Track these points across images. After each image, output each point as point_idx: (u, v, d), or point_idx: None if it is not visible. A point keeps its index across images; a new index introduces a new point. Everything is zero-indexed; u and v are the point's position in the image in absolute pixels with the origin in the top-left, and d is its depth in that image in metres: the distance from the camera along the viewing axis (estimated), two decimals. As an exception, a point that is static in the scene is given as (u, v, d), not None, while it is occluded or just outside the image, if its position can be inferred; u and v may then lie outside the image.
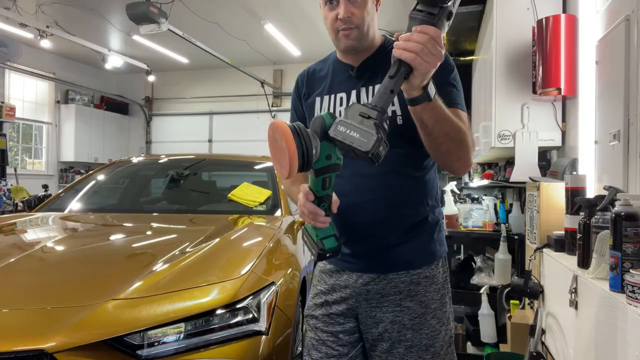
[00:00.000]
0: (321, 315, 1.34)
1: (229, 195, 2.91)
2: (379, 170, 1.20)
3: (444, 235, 1.37)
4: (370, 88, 1.27)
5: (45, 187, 6.38)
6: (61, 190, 3.19)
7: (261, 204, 2.84)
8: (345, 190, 1.25)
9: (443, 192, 3.16)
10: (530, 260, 2.05)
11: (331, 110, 1.30)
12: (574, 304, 1.42)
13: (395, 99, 1.22)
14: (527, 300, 2.29)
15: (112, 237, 2.33)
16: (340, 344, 1.31)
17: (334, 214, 1.13)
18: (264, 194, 2.90)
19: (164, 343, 1.49)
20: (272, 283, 1.82)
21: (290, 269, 2.10)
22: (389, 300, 1.26)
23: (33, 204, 2.99)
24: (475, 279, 2.81)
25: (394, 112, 1.23)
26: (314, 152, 1.01)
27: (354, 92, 1.29)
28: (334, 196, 1.11)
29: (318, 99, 1.35)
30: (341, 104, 1.29)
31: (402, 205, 1.26)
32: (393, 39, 1.31)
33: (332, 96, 1.32)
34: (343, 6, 1.21)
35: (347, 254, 1.30)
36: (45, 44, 7.61)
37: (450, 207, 3.01)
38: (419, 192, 1.28)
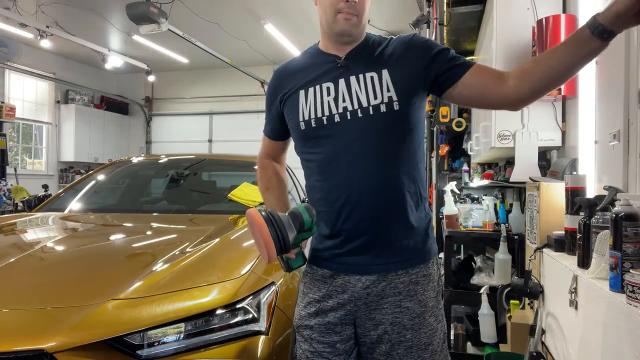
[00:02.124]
0: (317, 325, 1.28)
1: (229, 195, 2.90)
2: (376, 160, 1.22)
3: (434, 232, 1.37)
4: (361, 76, 1.24)
5: (45, 187, 6.39)
6: (61, 190, 3.19)
7: (261, 204, 2.83)
8: (342, 185, 1.23)
9: (443, 192, 3.15)
10: (530, 260, 2.04)
11: (318, 100, 1.26)
12: (574, 304, 1.42)
13: (390, 84, 1.21)
14: (527, 300, 2.29)
15: (112, 237, 2.33)
16: (337, 354, 1.27)
17: (329, 212, 1.25)
18: (264, 194, 2.90)
19: (164, 343, 1.49)
20: (272, 283, 1.82)
21: (290, 269, 2.09)
22: (389, 302, 1.24)
23: (33, 204, 2.99)
24: (475, 279, 2.81)
25: (390, 97, 1.21)
26: (290, 240, 1.11)
27: (341, 81, 1.25)
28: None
29: (302, 92, 1.29)
30: (328, 94, 1.25)
31: (399, 195, 1.23)
32: (376, 35, 1.32)
33: (318, 87, 1.27)
34: None
35: (344, 255, 1.26)
36: (45, 44, 7.62)
37: (450, 207, 3.00)
38: (413, 180, 1.26)
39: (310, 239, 1.30)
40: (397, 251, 1.24)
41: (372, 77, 1.23)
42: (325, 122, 1.24)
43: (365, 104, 1.21)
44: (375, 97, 1.21)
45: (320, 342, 1.27)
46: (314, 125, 1.25)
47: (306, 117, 1.27)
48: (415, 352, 1.24)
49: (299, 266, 1.25)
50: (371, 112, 1.21)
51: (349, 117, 1.22)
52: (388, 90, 1.21)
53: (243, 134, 10.81)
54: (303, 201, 3.04)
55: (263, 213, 1.11)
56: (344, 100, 1.23)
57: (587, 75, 2.16)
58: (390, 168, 1.22)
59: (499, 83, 1.18)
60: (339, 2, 1.21)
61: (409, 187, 1.25)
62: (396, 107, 1.21)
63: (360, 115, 1.21)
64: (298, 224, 1.13)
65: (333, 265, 1.28)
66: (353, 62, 1.27)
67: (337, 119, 1.23)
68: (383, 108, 1.21)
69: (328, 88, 1.25)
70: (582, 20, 2.28)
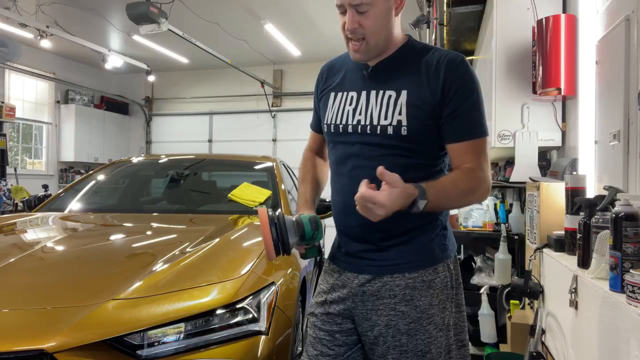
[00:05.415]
0: (320, 313, 1.34)
1: (229, 195, 2.91)
2: (374, 174, 1.20)
3: (448, 238, 1.32)
4: (381, 92, 1.24)
5: (45, 187, 6.39)
6: (61, 190, 3.19)
7: (261, 204, 2.84)
8: (343, 190, 1.29)
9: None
10: (530, 260, 2.05)
11: (341, 107, 1.30)
12: (574, 304, 1.42)
13: (404, 108, 1.21)
14: (527, 300, 2.29)
15: (112, 237, 2.33)
16: (337, 344, 1.30)
17: (334, 212, 1.33)
18: (264, 194, 2.90)
19: (164, 343, 1.49)
20: (272, 283, 1.82)
21: (290, 269, 2.10)
22: (384, 304, 1.25)
23: (33, 204, 2.98)
24: (475, 279, 2.80)
25: (399, 121, 1.21)
26: (291, 243, 1.19)
27: (364, 93, 1.27)
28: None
29: (332, 94, 1.34)
30: (350, 103, 1.28)
31: (399, 211, 1.22)
32: (418, 43, 1.31)
33: (345, 94, 1.31)
34: (349, 16, 1.17)
35: (344, 253, 1.32)
36: (45, 44, 7.60)
37: (450, 207, 3.00)
38: None
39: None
40: (392, 255, 1.26)
41: (389, 97, 1.23)
42: (340, 130, 1.30)
43: (375, 122, 1.24)
44: (386, 118, 1.22)
45: (322, 330, 1.32)
46: (332, 130, 1.32)
47: (329, 121, 1.32)
48: (410, 357, 1.23)
49: (312, 257, 1.34)
50: (378, 132, 1.23)
51: (359, 131, 1.26)
52: (399, 114, 1.21)
53: (243, 134, 10.80)
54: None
55: (270, 213, 1.18)
56: (360, 113, 1.26)
57: (587, 75, 2.16)
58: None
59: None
60: (343, 29, 1.21)
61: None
62: (404, 132, 1.20)
63: (368, 132, 1.25)
64: (300, 233, 1.22)
65: (337, 262, 1.35)
66: (379, 74, 1.27)
67: (350, 129, 1.28)
68: (390, 130, 1.22)
69: (352, 97, 1.29)
70: (582, 20, 2.28)
